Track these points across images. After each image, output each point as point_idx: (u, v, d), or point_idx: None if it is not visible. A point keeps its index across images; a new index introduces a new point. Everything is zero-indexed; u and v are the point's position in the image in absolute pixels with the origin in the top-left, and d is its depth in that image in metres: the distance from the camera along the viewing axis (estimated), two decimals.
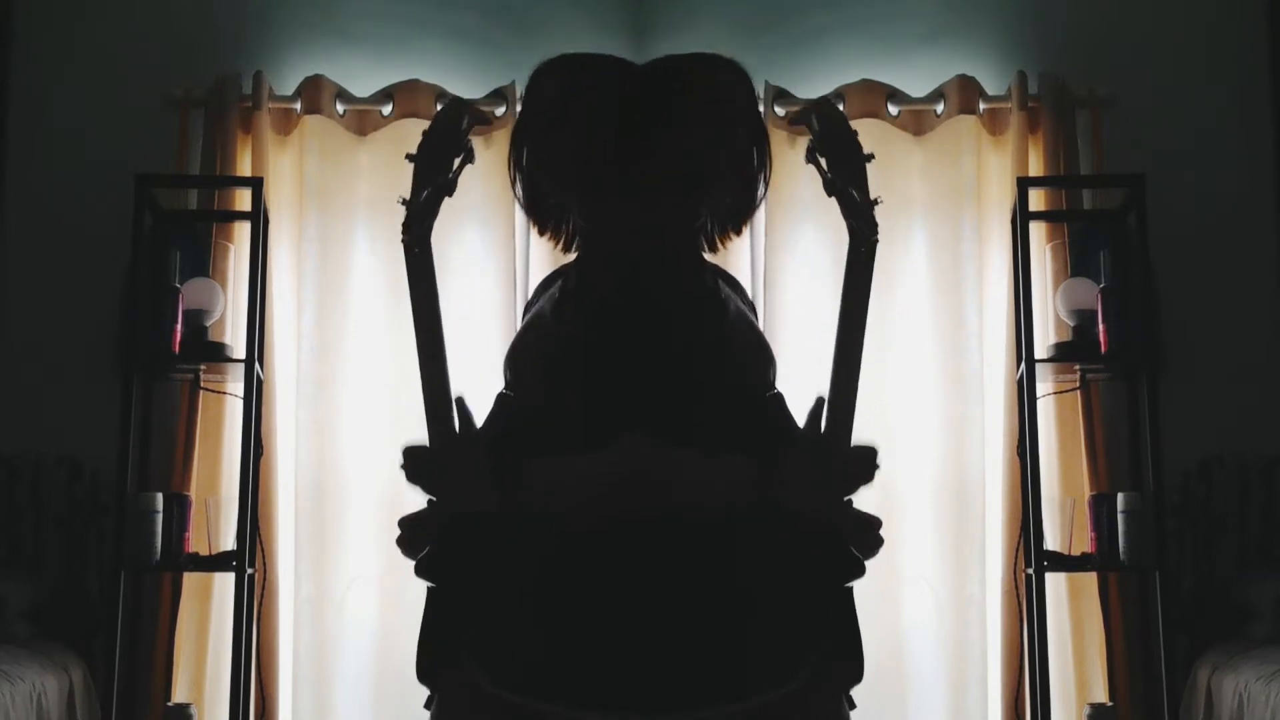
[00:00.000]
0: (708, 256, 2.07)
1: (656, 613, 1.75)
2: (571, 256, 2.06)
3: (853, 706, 1.85)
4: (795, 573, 1.82)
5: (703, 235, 2.05)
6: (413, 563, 1.87)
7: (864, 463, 1.87)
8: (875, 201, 1.88)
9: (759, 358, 1.94)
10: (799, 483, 1.83)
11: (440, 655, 1.81)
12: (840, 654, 1.81)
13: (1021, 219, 3.36)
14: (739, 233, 2.05)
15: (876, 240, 1.86)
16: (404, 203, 1.90)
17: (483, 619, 1.80)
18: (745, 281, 3.06)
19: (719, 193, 1.97)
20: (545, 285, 2.04)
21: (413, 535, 1.88)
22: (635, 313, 1.90)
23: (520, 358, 1.96)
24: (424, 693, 1.85)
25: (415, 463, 1.85)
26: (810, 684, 1.77)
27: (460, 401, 1.84)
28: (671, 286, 1.93)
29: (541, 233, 2.07)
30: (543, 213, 2.03)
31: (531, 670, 1.75)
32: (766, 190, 2.00)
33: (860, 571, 1.83)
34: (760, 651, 1.76)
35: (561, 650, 1.75)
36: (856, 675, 1.82)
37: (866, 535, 1.87)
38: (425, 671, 1.82)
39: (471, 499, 1.83)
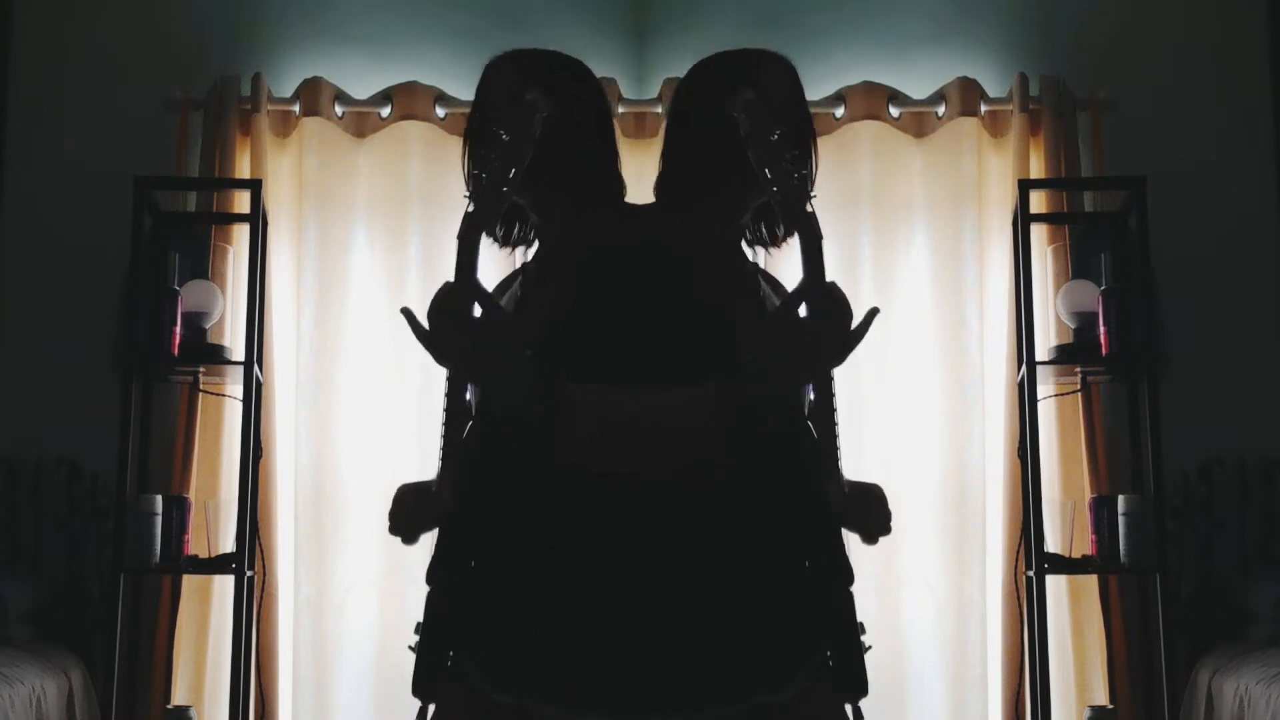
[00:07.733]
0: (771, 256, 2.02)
1: (650, 597, 1.72)
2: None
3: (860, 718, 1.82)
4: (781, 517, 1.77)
5: (749, 233, 2.02)
6: (407, 549, 1.82)
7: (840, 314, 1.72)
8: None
9: None
10: (765, 358, 1.73)
11: (441, 664, 1.78)
12: (840, 662, 1.79)
13: (1022, 221, 3.36)
14: (791, 233, 1.96)
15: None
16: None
17: (487, 614, 1.77)
18: None
19: (751, 193, 1.92)
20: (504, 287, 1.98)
21: (415, 506, 1.81)
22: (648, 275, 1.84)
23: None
24: None
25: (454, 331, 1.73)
26: (811, 685, 1.76)
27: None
28: (703, 277, 1.87)
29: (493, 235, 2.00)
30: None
31: (530, 668, 1.73)
32: (812, 185, 1.88)
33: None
34: (757, 643, 1.74)
35: (562, 644, 1.73)
36: (859, 687, 1.78)
37: (866, 505, 1.83)
38: (423, 683, 1.78)
39: (514, 385, 1.74)
